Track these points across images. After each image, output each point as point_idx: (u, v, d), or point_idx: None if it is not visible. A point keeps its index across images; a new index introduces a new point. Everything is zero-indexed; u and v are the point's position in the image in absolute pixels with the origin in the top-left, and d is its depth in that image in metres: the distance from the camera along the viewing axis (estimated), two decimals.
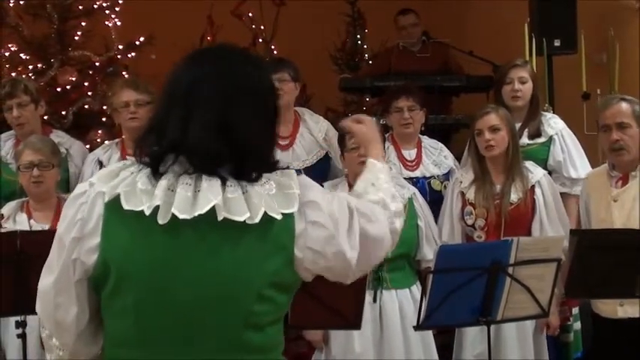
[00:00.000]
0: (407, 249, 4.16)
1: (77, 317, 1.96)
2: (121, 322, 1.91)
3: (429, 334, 4.11)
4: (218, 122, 1.90)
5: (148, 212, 1.86)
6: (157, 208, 1.86)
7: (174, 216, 1.85)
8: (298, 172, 4.64)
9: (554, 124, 4.70)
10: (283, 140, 4.52)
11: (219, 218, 1.86)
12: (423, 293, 3.41)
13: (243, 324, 1.90)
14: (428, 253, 4.16)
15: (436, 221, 4.33)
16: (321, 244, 1.95)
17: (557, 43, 6.06)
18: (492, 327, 3.63)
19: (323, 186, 4.24)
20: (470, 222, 4.22)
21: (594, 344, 4.13)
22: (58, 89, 6.20)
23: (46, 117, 5.31)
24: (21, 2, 6.39)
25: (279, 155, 4.82)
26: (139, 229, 1.88)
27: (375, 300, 4.03)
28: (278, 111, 2.02)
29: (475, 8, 7.79)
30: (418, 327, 3.51)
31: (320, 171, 4.49)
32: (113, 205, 1.89)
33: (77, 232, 1.92)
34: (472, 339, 4.16)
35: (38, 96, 4.82)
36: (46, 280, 1.98)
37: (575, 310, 4.45)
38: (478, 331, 4.04)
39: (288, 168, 2.01)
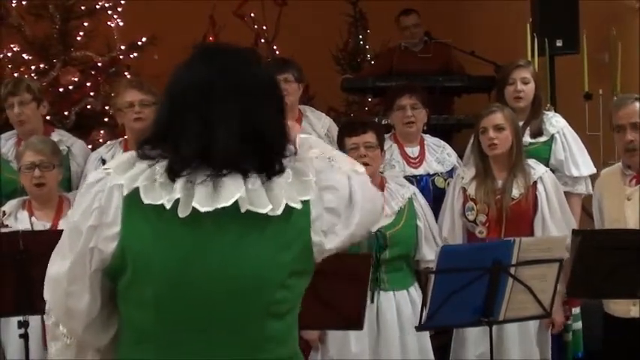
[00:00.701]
0: (405, 249, 4.15)
1: (89, 306, 1.94)
2: (141, 313, 1.91)
3: (425, 335, 4.10)
4: (241, 124, 1.90)
5: (168, 206, 1.85)
6: (176, 202, 1.85)
7: (194, 209, 1.85)
8: None
9: (555, 122, 4.70)
10: None
11: (243, 210, 1.86)
12: (423, 294, 3.41)
13: (265, 314, 1.91)
14: (427, 254, 4.15)
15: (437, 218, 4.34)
16: (332, 228, 1.96)
17: (559, 43, 6.06)
18: (495, 327, 3.63)
19: None
20: (471, 218, 4.22)
21: (605, 344, 4.12)
22: (61, 89, 6.21)
23: (48, 117, 5.32)
24: (23, 2, 6.39)
25: None
26: (159, 222, 1.87)
27: (372, 300, 4.02)
28: (282, 98, 2.02)
29: (477, 8, 7.79)
30: (420, 327, 3.51)
31: None
32: (132, 198, 1.88)
33: (95, 220, 1.90)
34: (474, 339, 4.16)
35: (41, 96, 4.82)
36: (57, 267, 1.96)
37: (576, 310, 4.44)
38: (480, 331, 4.03)
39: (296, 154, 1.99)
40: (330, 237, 1.96)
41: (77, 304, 1.94)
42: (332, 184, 1.97)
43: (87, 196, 1.93)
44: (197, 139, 1.89)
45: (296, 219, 1.91)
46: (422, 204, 4.25)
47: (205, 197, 1.86)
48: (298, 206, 1.90)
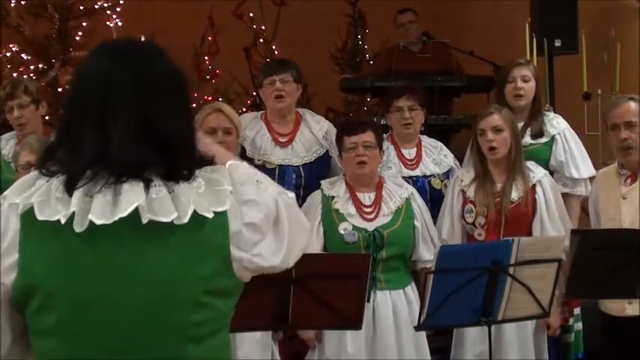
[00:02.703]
0: (402, 249, 4.16)
1: (13, 346, 1.79)
2: (48, 342, 1.74)
3: (422, 336, 4.10)
4: (138, 125, 1.75)
5: (63, 221, 1.70)
6: (72, 216, 1.71)
7: (92, 223, 1.70)
8: (297, 168, 4.67)
9: (556, 124, 4.69)
10: (283, 137, 4.53)
11: (144, 221, 1.70)
12: (420, 294, 3.41)
13: (181, 337, 1.74)
14: (424, 254, 4.15)
15: (436, 220, 4.34)
16: (254, 246, 1.80)
17: (557, 43, 6.06)
18: (493, 327, 3.63)
19: (320, 184, 4.28)
20: (470, 220, 4.23)
21: (602, 343, 4.13)
22: (60, 89, 6.21)
23: (47, 117, 5.31)
24: (22, 2, 6.40)
25: (279, 152, 4.85)
26: (56, 241, 1.72)
27: (368, 300, 4.02)
28: (191, 97, 1.89)
29: (476, 8, 7.79)
30: (419, 327, 3.51)
31: (319, 169, 4.50)
32: (28, 217, 1.73)
33: None
34: (473, 339, 4.15)
35: (39, 96, 4.82)
36: None
37: (577, 311, 4.45)
38: (479, 331, 4.04)
39: (212, 162, 1.84)
40: (258, 254, 1.80)
41: (5, 350, 1.78)
42: (253, 199, 1.81)
43: None
44: (92, 142, 1.74)
45: (209, 231, 1.75)
46: (419, 204, 4.25)
47: (103, 209, 1.70)
48: (209, 215, 1.74)
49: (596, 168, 4.63)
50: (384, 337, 4.08)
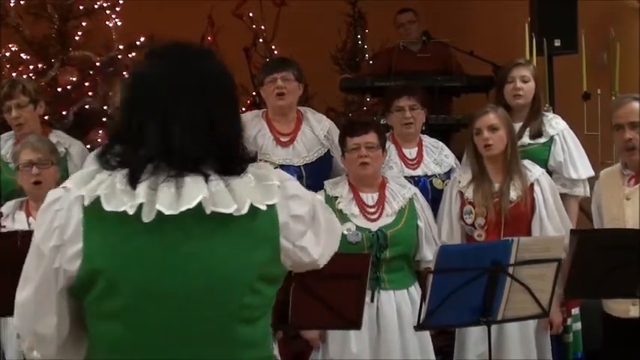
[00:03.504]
0: (406, 249, 4.16)
1: (57, 328, 1.90)
2: (110, 326, 1.86)
3: (426, 335, 4.10)
4: (198, 122, 1.87)
5: (131, 212, 1.81)
6: (139, 207, 1.82)
7: (158, 214, 1.81)
8: (298, 168, 4.68)
9: (555, 124, 4.69)
10: (284, 137, 4.53)
11: (208, 211, 1.83)
12: (423, 294, 3.41)
13: (235, 318, 1.88)
14: (428, 254, 4.15)
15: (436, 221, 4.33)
16: (300, 238, 1.94)
17: (557, 43, 6.06)
18: (495, 327, 3.63)
19: (323, 185, 4.29)
20: (469, 221, 4.22)
21: (605, 344, 4.13)
22: (59, 89, 6.20)
23: (46, 117, 5.31)
24: (22, 2, 6.39)
25: (280, 151, 4.85)
26: (123, 230, 1.83)
27: (372, 300, 4.02)
28: (237, 96, 2.01)
29: (476, 8, 7.79)
30: (419, 327, 3.51)
31: (320, 168, 4.50)
32: (93, 209, 1.84)
33: (56, 239, 1.85)
34: (475, 339, 4.15)
35: (37, 96, 4.82)
36: (24, 293, 1.92)
37: (576, 311, 4.44)
38: (481, 331, 4.03)
39: (255, 159, 1.96)
40: (302, 247, 1.94)
41: (45, 329, 1.90)
42: (297, 194, 1.95)
43: (47, 216, 1.89)
44: (155, 138, 1.86)
45: (262, 222, 1.88)
46: (422, 204, 4.25)
47: (169, 200, 1.82)
48: (263, 207, 1.87)
49: (596, 168, 4.63)
50: (388, 337, 4.08)
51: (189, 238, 1.84)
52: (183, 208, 1.81)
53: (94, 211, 1.84)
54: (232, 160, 1.89)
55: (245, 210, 1.85)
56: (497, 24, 7.34)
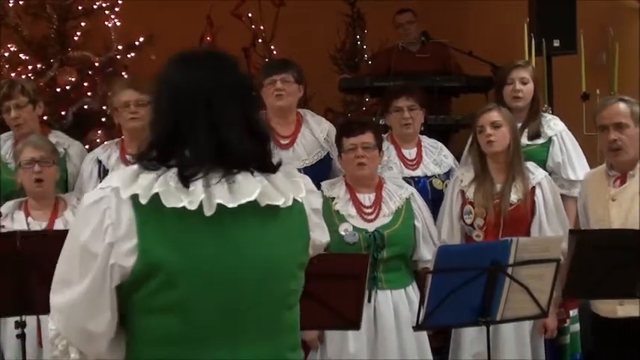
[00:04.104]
0: (403, 249, 4.16)
1: (110, 325, 1.96)
2: (164, 320, 1.93)
3: (423, 335, 4.10)
4: (241, 124, 1.99)
5: (192, 207, 1.91)
6: (200, 203, 1.91)
7: (217, 208, 1.92)
8: (298, 171, 4.67)
9: (553, 125, 4.69)
10: (284, 139, 4.52)
11: (262, 204, 1.97)
12: (421, 293, 3.41)
13: (283, 304, 2.03)
14: (425, 254, 4.16)
15: (436, 220, 4.33)
16: (316, 228, 2.12)
17: (556, 43, 6.07)
18: (490, 328, 3.62)
19: (320, 186, 4.29)
20: (469, 221, 4.22)
21: (594, 344, 4.13)
22: (58, 89, 6.21)
23: (45, 117, 5.31)
24: (21, 2, 6.40)
25: (280, 154, 4.84)
26: (182, 225, 1.92)
27: (369, 300, 4.02)
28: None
29: (475, 9, 7.80)
30: (418, 327, 3.51)
31: (320, 171, 4.49)
32: (148, 206, 1.91)
33: (110, 237, 1.90)
34: (470, 339, 4.16)
35: (36, 96, 4.82)
36: (69, 293, 1.95)
37: (574, 312, 4.44)
38: (476, 331, 4.04)
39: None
40: (318, 234, 2.13)
41: (99, 326, 1.95)
42: (313, 188, 2.15)
43: (94, 216, 1.93)
44: (208, 143, 1.96)
45: (297, 213, 2.05)
46: (420, 205, 4.25)
47: (226, 195, 1.93)
48: (300, 200, 2.04)
49: (594, 169, 4.62)
50: (386, 337, 4.08)
51: (247, 230, 1.97)
52: (243, 201, 1.94)
53: (147, 208, 1.91)
54: (268, 158, 2.04)
55: (290, 202, 2.01)
56: (496, 24, 7.34)
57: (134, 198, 1.91)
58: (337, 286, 3.32)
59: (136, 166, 1.97)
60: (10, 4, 6.36)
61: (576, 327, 4.46)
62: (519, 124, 4.52)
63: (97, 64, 6.37)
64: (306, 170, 4.47)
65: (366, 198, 4.20)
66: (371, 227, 4.12)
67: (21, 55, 6.31)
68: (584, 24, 6.10)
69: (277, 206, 1.99)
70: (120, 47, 6.45)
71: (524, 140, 4.53)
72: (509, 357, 4.11)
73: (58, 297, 1.97)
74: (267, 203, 1.97)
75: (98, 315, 1.94)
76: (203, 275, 1.92)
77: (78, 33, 6.44)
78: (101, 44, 6.50)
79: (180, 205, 1.90)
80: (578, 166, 4.61)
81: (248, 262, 1.96)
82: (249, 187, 1.96)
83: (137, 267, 1.90)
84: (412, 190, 4.30)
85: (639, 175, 3.94)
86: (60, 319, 1.99)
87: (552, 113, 5.11)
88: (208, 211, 1.92)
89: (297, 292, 2.07)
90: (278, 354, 2.01)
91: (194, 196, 1.91)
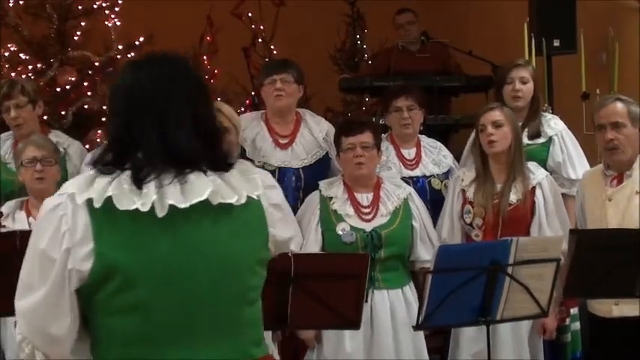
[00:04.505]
0: (400, 249, 4.15)
1: (71, 327, 1.98)
2: (126, 318, 1.96)
3: (419, 335, 4.10)
4: (192, 125, 2.02)
5: (144, 209, 1.93)
6: (152, 204, 1.94)
7: (170, 208, 1.94)
8: (297, 171, 4.68)
9: (554, 124, 4.69)
10: (283, 139, 4.52)
11: (215, 202, 1.98)
12: (419, 293, 3.40)
13: (243, 300, 2.05)
14: (422, 254, 4.16)
15: (437, 220, 4.33)
16: (277, 223, 2.14)
17: (556, 43, 6.06)
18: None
19: (319, 185, 4.29)
20: (468, 220, 4.22)
21: (590, 344, 4.13)
22: (58, 89, 6.21)
23: (45, 117, 5.31)
24: (21, 2, 6.40)
25: (279, 154, 4.85)
26: (136, 227, 1.94)
27: (366, 300, 4.01)
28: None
29: (474, 8, 7.79)
30: (417, 327, 3.50)
31: (319, 171, 4.49)
32: (101, 210, 1.94)
33: (67, 242, 1.94)
34: (468, 339, 4.16)
35: (36, 96, 4.82)
36: (31, 298, 1.99)
37: (574, 311, 4.45)
38: (474, 331, 4.04)
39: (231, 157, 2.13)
40: (279, 230, 2.14)
41: (60, 330, 1.98)
42: (272, 184, 2.17)
43: (51, 222, 1.96)
44: (158, 144, 1.99)
45: (254, 210, 2.06)
46: (418, 205, 4.24)
47: (177, 196, 1.96)
48: (255, 197, 2.06)
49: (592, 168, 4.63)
50: (382, 337, 4.08)
51: (200, 229, 1.98)
52: (195, 201, 1.96)
53: (102, 212, 1.94)
54: (220, 157, 2.06)
55: (243, 200, 2.02)
56: (496, 24, 7.34)
57: (89, 203, 1.94)
58: (337, 285, 3.32)
59: (92, 172, 2.00)
60: (10, 4, 6.35)
61: (577, 325, 4.47)
62: (519, 124, 4.51)
63: (97, 64, 6.37)
64: (305, 170, 4.48)
65: (364, 198, 4.19)
66: (368, 227, 4.12)
67: (21, 55, 6.31)
68: (584, 24, 6.10)
69: (231, 204, 2.00)
70: (120, 47, 6.45)
71: (524, 140, 4.53)
72: (506, 357, 4.10)
73: (21, 302, 2.03)
74: (219, 202, 1.99)
75: (59, 319, 1.97)
76: (159, 276, 1.95)
77: (78, 33, 6.43)
78: (101, 44, 6.50)
79: (133, 207, 1.93)
80: (578, 165, 4.62)
81: (203, 260, 1.98)
82: (201, 187, 1.98)
83: (94, 271, 1.93)
84: (410, 190, 4.30)
85: (636, 174, 3.94)
86: (23, 324, 2.04)
87: (552, 113, 5.11)
88: (160, 212, 1.94)
89: (257, 288, 2.09)
90: (242, 350, 2.04)
91: (147, 198, 1.94)
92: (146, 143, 1.98)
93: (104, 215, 1.93)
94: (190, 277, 1.97)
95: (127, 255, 1.93)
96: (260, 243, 2.08)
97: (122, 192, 1.94)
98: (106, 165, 1.99)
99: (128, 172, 1.97)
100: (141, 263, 1.93)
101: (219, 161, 2.05)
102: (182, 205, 1.95)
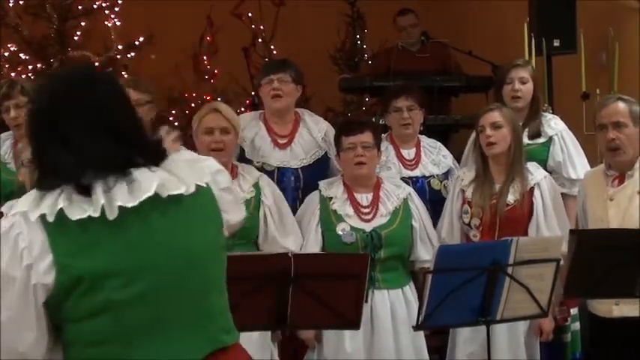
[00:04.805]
0: (400, 250, 4.15)
1: (39, 341, 2.00)
2: (97, 322, 1.98)
3: (420, 335, 4.09)
4: (101, 127, 2.04)
5: (95, 214, 1.97)
6: (102, 209, 1.97)
7: (120, 209, 1.98)
8: (296, 171, 4.68)
9: (554, 124, 4.69)
10: (282, 139, 4.52)
11: (164, 195, 2.01)
12: (419, 294, 3.40)
13: (212, 288, 2.09)
14: (422, 254, 4.15)
15: (437, 220, 4.33)
16: (229, 206, 2.19)
17: (556, 43, 6.06)
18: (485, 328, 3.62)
19: (318, 185, 4.29)
20: (466, 220, 4.22)
21: (590, 344, 4.13)
22: None
23: None
24: (21, 2, 6.40)
25: (278, 154, 4.85)
26: (91, 233, 1.98)
27: (366, 300, 4.01)
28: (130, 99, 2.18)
29: (474, 8, 7.79)
30: (417, 327, 3.50)
31: (318, 171, 4.49)
32: (55, 223, 1.97)
33: (27, 259, 1.96)
34: (464, 339, 4.16)
35: None
36: None
37: (574, 311, 4.44)
38: (470, 331, 4.04)
39: (160, 142, 2.16)
40: (232, 214, 2.20)
41: (28, 346, 2.00)
42: (219, 169, 2.20)
43: (7, 243, 1.98)
44: (82, 151, 2.01)
45: (205, 198, 2.10)
46: (417, 205, 4.24)
47: (125, 196, 1.99)
48: (203, 185, 2.09)
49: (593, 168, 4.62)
50: (382, 337, 4.08)
51: (154, 224, 2.02)
52: (143, 198, 1.99)
53: (56, 225, 1.97)
54: (149, 150, 2.08)
55: (192, 189, 2.05)
56: (496, 24, 7.34)
57: (42, 218, 1.98)
58: (337, 285, 3.32)
59: (35, 191, 2.03)
60: (10, 4, 6.36)
61: (576, 325, 4.46)
62: (519, 124, 4.51)
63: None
64: (304, 170, 4.48)
65: (364, 198, 4.19)
66: (368, 227, 4.12)
67: (21, 55, 6.32)
68: (584, 24, 6.10)
69: (181, 195, 2.03)
70: (120, 47, 6.46)
71: (525, 140, 4.52)
72: (503, 357, 4.10)
73: None
74: (168, 194, 2.02)
75: (26, 335, 1.99)
76: (122, 276, 1.97)
77: (78, 33, 6.44)
78: (101, 44, 6.50)
79: (85, 215, 1.97)
80: (578, 165, 4.61)
81: (164, 255, 2.01)
82: (147, 183, 2.01)
83: (58, 281, 1.96)
84: (409, 189, 4.30)
85: (638, 174, 3.94)
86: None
87: (552, 113, 5.11)
88: (111, 215, 1.97)
89: (221, 275, 2.13)
90: (212, 338, 2.08)
91: (96, 203, 1.97)
92: (78, 154, 2.01)
93: (58, 228, 1.97)
94: (153, 273, 2.00)
95: (86, 261, 1.96)
96: (216, 229, 2.12)
97: (72, 202, 1.98)
98: (51, 184, 2.02)
99: (71, 186, 2.00)
100: (101, 267, 1.96)
101: (152, 154, 2.08)
102: (131, 204, 1.98)
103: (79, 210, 1.97)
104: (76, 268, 1.96)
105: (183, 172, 2.07)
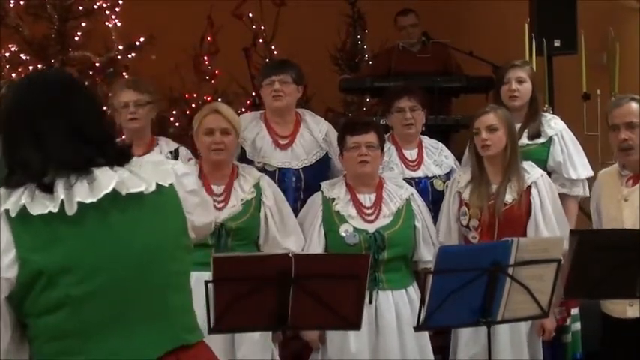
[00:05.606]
0: (404, 250, 4.16)
1: (2, 336, 2.07)
2: (57, 316, 2.05)
3: (425, 335, 4.10)
4: (70, 129, 2.12)
5: (55, 210, 2.04)
6: (62, 205, 2.05)
7: (79, 206, 2.05)
8: (297, 171, 4.68)
9: (554, 124, 4.69)
10: (283, 140, 4.52)
11: (123, 193, 2.09)
12: (422, 294, 3.40)
13: (167, 285, 2.15)
14: (425, 254, 4.16)
15: (436, 221, 4.33)
16: (196, 208, 2.26)
17: (557, 43, 6.07)
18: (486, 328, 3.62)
19: (321, 186, 4.30)
20: (464, 222, 4.22)
21: (603, 344, 4.12)
22: None
23: None
24: (21, 3, 6.40)
25: (279, 154, 4.85)
26: (51, 229, 2.05)
27: (370, 301, 4.02)
28: (99, 97, 2.23)
29: (475, 9, 7.79)
30: (418, 327, 3.51)
31: (319, 171, 4.49)
32: (18, 218, 2.04)
33: None
34: (466, 340, 4.16)
35: None
36: None
37: (575, 311, 4.44)
38: (471, 332, 4.04)
39: (130, 148, 2.23)
40: (197, 215, 2.26)
41: None
42: (186, 172, 2.27)
43: None
44: (34, 154, 2.09)
45: (168, 198, 2.17)
46: (420, 205, 4.25)
47: (86, 192, 2.06)
48: (166, 185, 2.16)
49: (595, 169, 4.63)
50: (387, 337, 4.08)
51: (112, 221, 2.09)
52: (102, 195, 2.07)
53: (18, 221, 2.05)
54: (114, 152, 2.17)
55: (153, 187, 2.13)
56: (496, 24, 7.34)
57: (6, 213, 2.05)
58: (338, 286, 3.31)
59: (2, 189, 2.10)
60: (11, 5, 6.36)
61: (577, 325, 4.46)
62: (519, 124, 4.51)
63: (97, 65, 6.37)
64: (305, 170, 4.48)
65: (367, 199, 4.19)
66: (371, 228, 4.12)
67: (22, 56, 6.31)
68: (584, 24, 6.10)
69: (141, 193, 2.10)
70: (120, 47, 6.46)
71: (524, 140, 4.53)
72: (505, 357, 4.10)
73: None
74: (128, 192, 2.09)
75: None
76: (79, 271, 2.04)
77: (78, 33, 6.44)
78: (102, 44, 6.50)
79: (46, 210, 2.04)
80: (579, 165, 4.61)
81: (121, 251, 2.08)
82: (107, 180, 2.08)
83: (20, 276, 2.03)
84: (412, 190, 4.30)
85: None
86: None
87: (553, 113, 5.11)
88: (70, 211, 2.04)
89: (182, 274, 2.20)
90: (173, 336, 2.14)
91: (57, 200, 2.05)
92: (42, 153, 2.08)
93: (21, 223, 2.04)
94: (109, 268, 2.06)
95: (47, 256, 2.02)
96: (177, 228, 2.19)
97: (34, 199, 2.05)
98: (17, 182, 2.08)
99: (35, 182, 2.07)
100: (59, 262, 2.03)
101: (117, 156, 2.15)
102: (89, 200, 2.05)
103: (41, 206, 2.04)
104: (37, 263, 2.02)
105: (147, 172, 2.15)
